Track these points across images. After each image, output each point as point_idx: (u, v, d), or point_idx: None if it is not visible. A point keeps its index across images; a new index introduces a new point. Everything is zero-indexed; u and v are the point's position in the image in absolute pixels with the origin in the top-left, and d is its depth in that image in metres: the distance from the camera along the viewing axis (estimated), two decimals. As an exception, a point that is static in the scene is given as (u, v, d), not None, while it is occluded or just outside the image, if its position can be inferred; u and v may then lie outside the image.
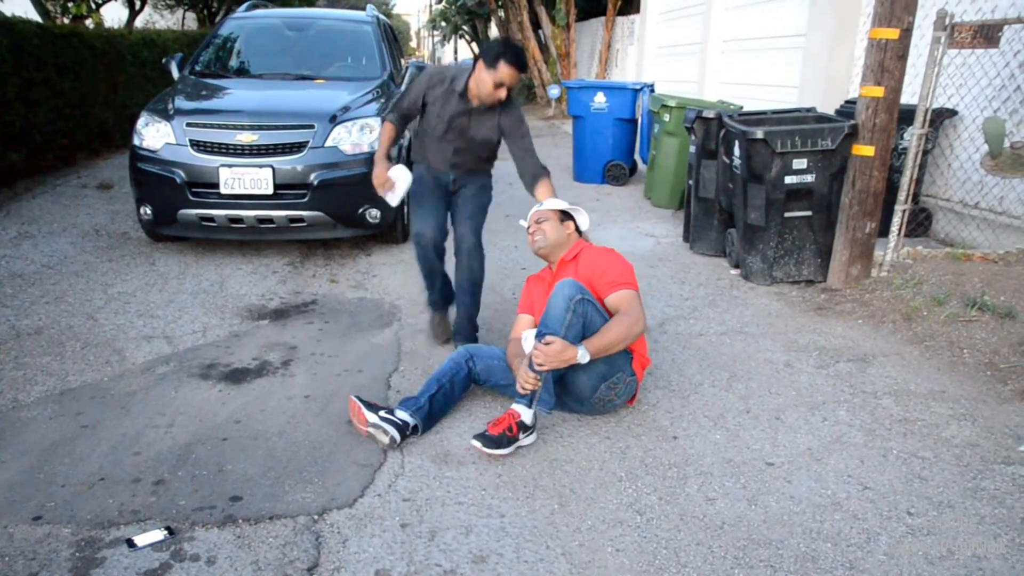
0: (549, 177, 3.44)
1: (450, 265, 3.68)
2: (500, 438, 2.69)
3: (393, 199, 3.47)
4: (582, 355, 2.72)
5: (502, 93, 3.36)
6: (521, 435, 2.75)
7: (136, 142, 5.11)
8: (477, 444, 2.69)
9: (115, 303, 4.28)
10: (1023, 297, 4.04)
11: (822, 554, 2.24)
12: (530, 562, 2.20)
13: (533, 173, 3.44)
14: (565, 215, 3.19)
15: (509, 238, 5.77)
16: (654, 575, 2.16)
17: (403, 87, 6.42)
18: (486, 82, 3.32)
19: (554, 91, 14.19)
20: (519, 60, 3.32)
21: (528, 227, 3.21)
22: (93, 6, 12.08)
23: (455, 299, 3.72)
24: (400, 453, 2.75)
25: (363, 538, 2.28)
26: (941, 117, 5.51)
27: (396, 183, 3.43)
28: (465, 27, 30.38)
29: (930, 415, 3.08)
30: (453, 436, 2.88)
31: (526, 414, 2.75)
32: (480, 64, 3.34)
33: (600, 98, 8.23)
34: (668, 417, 3.06)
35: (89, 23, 11.75)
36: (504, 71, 3.28)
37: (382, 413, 2.80)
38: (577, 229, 3.22)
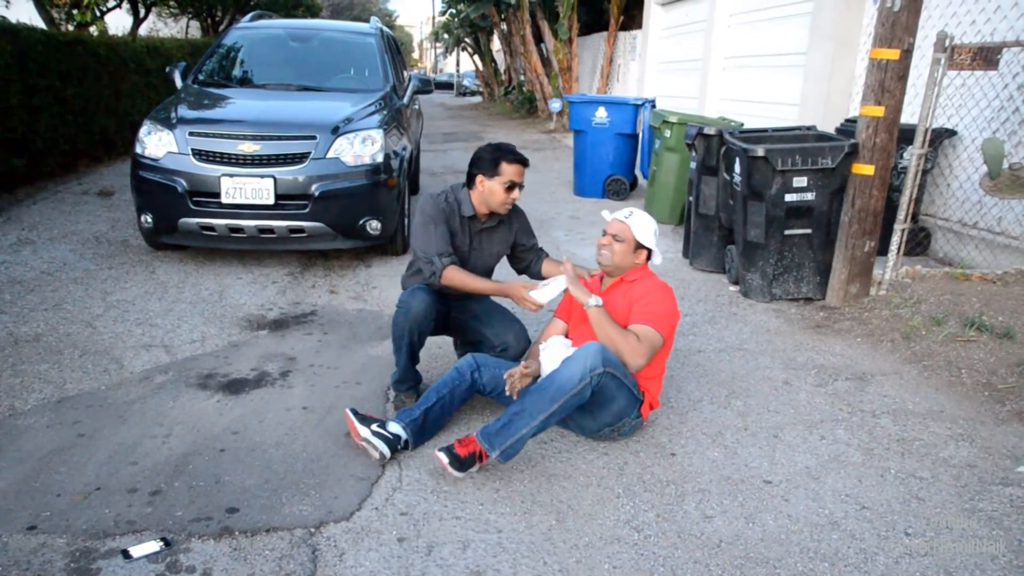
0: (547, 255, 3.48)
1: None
2: (465, 460, 2.60)
3: (550, 293, 3.01)
4: (594, 299, 2.80)
5: (516, 194, 3.18)
6: (485, 462, 2.65)
7: (138, 150, 5.13)
8: (443, 458, 2.59)
9: (114, 311, 4.28)
10: (1021, 317, 4.05)
11: (819, 574, 2.24)
12: (527, 578, 2.19)
13: (537, 258, 3.45)
14: (642, 245, 2.98)
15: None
16: (651, 593, 2.15)
17: (405, 98, 6.44)
18: (496, 191, 3.14)
19: (556, 105, 14.27)
20: (518, 155, 3.18)
21: (604, 233, 3.01)
22: (98, 13, 12.15)
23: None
24: (398, 467, 2.74)
25: (360, 552, 2.28)
26: (941, 137, 5.54)
27: (541, 291, 3.01)
28: (468, 39, 30.57)
29: (928, 435, 3.08)
30: (451, 450, 2.87)
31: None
32: (480, 178, 3.15)
33: (602, 113, 8.27)
34: (666, 434, 3.06)
35: (93, 30, 11.80)
36: (510, 171, 3.13)
37: (374, 427, 2.77)
38: (648, 257, 3.06)
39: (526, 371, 2.90)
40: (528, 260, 3.46)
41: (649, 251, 3.02)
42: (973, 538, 2.41)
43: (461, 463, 2.60)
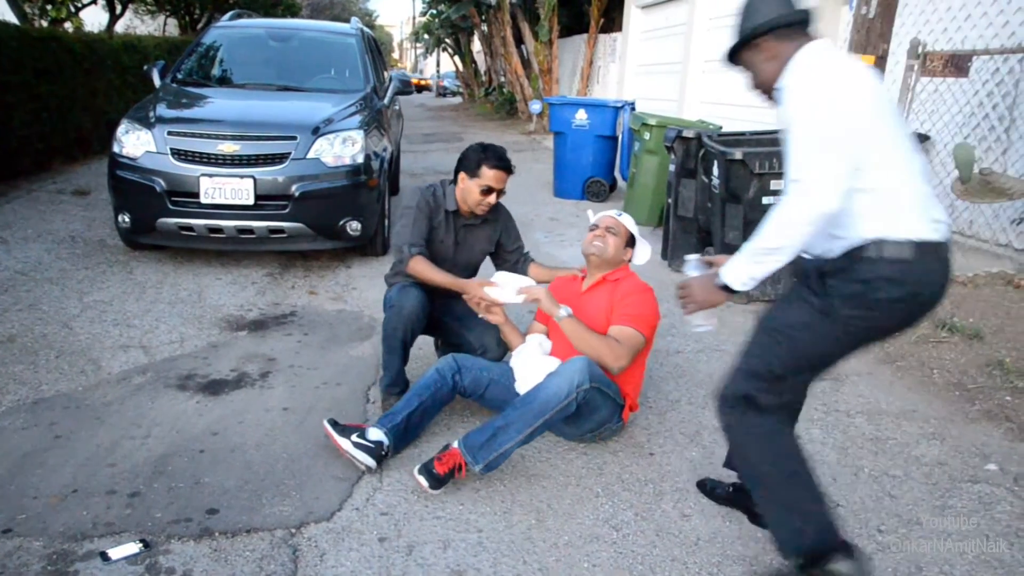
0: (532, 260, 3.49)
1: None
2: (445, 477, 2.55)
3: (506, 296, 2.99)
4: (563, 310, 2.80)
5: (491, 199, 3.18)
6: (463, 475, 2.61)
7: (116, 149, 5.08)
8: (423, 482, 2.54)
9: (91, 311, 4.24)
10: (990, 319, 4.14)
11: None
12: (507, 577, 2.21)
13: (524, 260, 3.46)
14: (631, 242, 3.06)
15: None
16: (630, 591, 2.18)
17: (386, 99, 6.44)
18: (472, 191, 3.16)
19: (536, 107, 14.31)
20: (502, 161, 3.15)
21: (596, 226, 3.03)
22: (73, 9, 11.99)
23: None
24: (380, 467, 2.75)
25: (341, 552, 2.28)
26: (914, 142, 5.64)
27: (507, 283, 3.00)
28: (448, 40, 30.54)
29: (901, 434, 3.14)
30: (432, 451, 2.86)
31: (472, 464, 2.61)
32: (463, 175, 3.19)
33: (581, 115, 8.32)
34: (645, 434, 3.09)
35: (68, 27, 11.65)
36: (489, 175, 3.13)
37: (354, 438, 2.71)
38: (631, 258, 3.10)
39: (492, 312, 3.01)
40: (512, 262, 3.46)
41: (633, 251, 3.08)
42: (943, 534, 2.47)
43: (440, 481, 2.55)
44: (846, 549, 1.99)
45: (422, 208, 3.20)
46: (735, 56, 2.15)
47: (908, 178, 1.90)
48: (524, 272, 3.40)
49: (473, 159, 3.15)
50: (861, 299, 1.89)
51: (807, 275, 2.02)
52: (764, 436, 2.07)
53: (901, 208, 1.88)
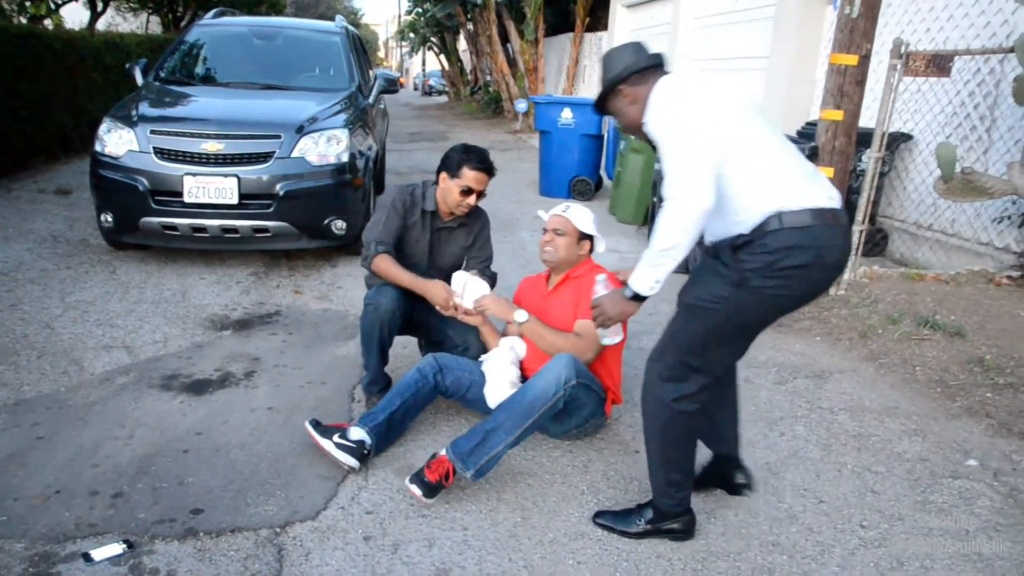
0: (492, 281, 3.31)
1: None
2: (437, 485, 2.51)
3: (465, 303, 3.02)
4: (519, 315, 2.81)
5: (471, 200, 3.15)
6: (451, 483, 2.57)
7: (98, 148, 5.04)
8: (416, 491, 2.49)
9: (73, 312, 4.21)
10: (972, 317, 4.19)
11: (778, 566, 2.30)
12: (492, 575, 2.21)
13: (481, 270, 3.28)
14: (584, 236, 3.01)
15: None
16: (615, 588, 2.19)
17: (371, 97, 6.42)
18: (452, 192, 3.12)
19: (521, 105, 14.30)
20: (484, 163, 3.11)
21: (544, 230, 3.01)
22: (53, 6, 11.87)
23: None
24: (364, 466, 2.74)
25: (326, 551, 2.28)
26: (897, 141, 5.69)
27: (464, 290, 3.02)
28: (434, 39, 30.47)
29: (883, 431, 3.17)
30: (416, 450, 2.88)
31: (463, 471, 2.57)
32: (443, 175, 3.16)
33: (567, 114, 8.33)
34: (630, 432, 3.10)
35: (49, 23, 11.54)
36: (469, 176, 3.09)
37: (336, 438, 2.70)
38: (591, 249, 3.07)
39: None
40: (472, 267, 3.33)
41: (591, 242, 3.03)
42: (924, 529, 2.50)
43: (433, 490, 2.50)
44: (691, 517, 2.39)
45: (396, 207, 3.19)
46: (603, 106, 2.42)
47: (787, 160, 2.11)
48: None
49: (455, 160, 3.13)
50: (771, 269, 2.03)
51: (719, 251, 2.15)
52: (674, 416, 2.25)
53: (790, 183, 2.07)
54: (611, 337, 2.63)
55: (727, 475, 2.57)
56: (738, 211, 2.06)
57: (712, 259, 2.18)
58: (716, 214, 2.06)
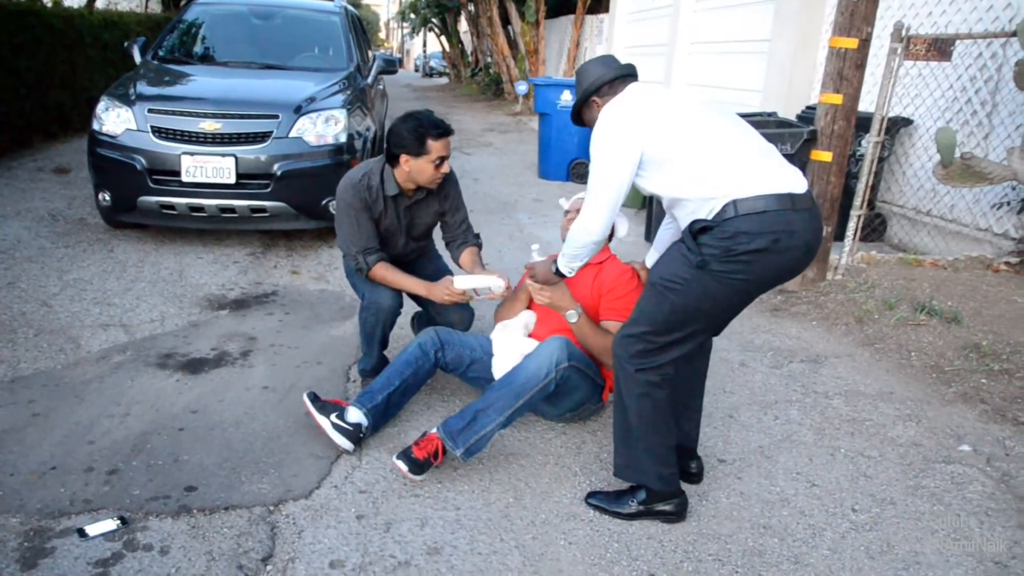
0: (479, 247, 3.29)
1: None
2: (424, 463, 2.51)
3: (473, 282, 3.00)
4: (571, 315, 2.75)
5: (446, 167, 3.04)
6: (442, 460, 2.59)
7: (96, 127, 5.02)
8: (403, 467, 2.50)
9: (71, 290, 4.21)
10: (969, 303, 4.19)
11: (769, 549, 2.31)
12: (484, 554, 2.23)
13: (463, 240, 3.27)
14: None
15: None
16: (605, 568, 2.20)
17: (370, 78, 6.38)
18: (424, 170, 2.97)
19: (522, 87, 14.24)
20: (442, 127, 2.96)
21: (568, 211, 2.95)
22: (52, -16, 11.77)
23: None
24: (358, 448, 2.75)
25: (319, 529, 2.29)
26: (897, 126, 5.66)
27: (469, 285, 2.98)
28: (435, 20, 30.26)
29: (878, 415, 3.18)
30: (411, 430, 2.89)
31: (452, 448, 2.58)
32: (405, 157, 2.95)
33: (567, 96, 8.28)
34: (625, 413, 3.11)
35: (47, 1, 11.44)
36: (437, 147, 2.94)
37: (333, 418, 2.69)
38: (611, 235, 2.99)
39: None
40: (454, 236, 3.30)
41: (611, 231, 3.01)
42: (915, 513, 2.51)
43: (420, 467, 2.51)
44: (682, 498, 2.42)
45: (359, 208, 3.04)
46: (579, 117, 2.58)
47: (740, 150, 2.19)
48: (457, 255, 3.29)
49: (412, 137, 2.92)
50: (728, 254, 2.10)
51: (684, 235, 2.23)
52: (645, 393, 2.31)
53: (744, 172, 2.13)
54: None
55: (680, 464, 2.56)
56: (694, 201, 2.18)
57: (680, 240, 2.26)
58: (677, 205, 2.24)
